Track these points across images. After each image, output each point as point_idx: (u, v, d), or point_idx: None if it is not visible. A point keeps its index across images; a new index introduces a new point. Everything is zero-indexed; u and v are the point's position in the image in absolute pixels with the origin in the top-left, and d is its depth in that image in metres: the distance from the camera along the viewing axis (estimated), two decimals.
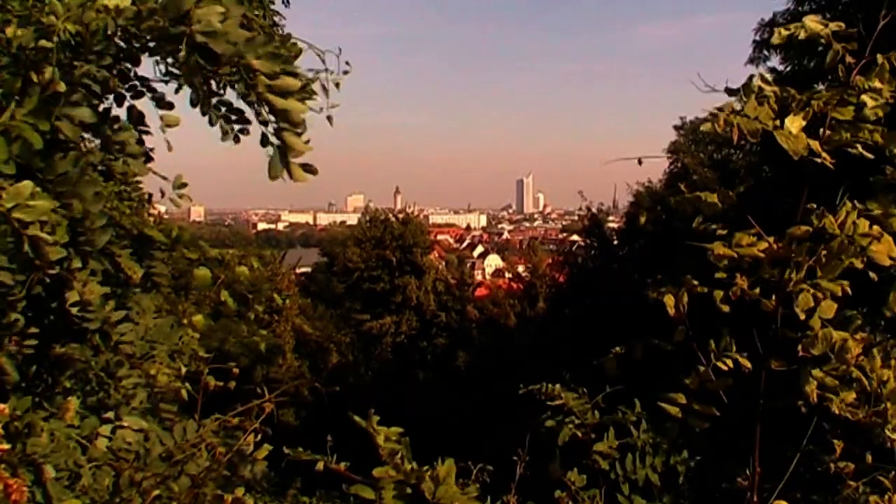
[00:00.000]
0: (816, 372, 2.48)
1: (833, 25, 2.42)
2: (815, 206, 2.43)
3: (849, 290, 2.37)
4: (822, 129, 2.39)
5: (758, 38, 16.05)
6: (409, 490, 2.17)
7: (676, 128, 25.64)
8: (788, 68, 15.21)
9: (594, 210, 27.70)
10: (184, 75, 1.95)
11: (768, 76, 2.43)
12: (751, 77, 2.40)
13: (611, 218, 31.14)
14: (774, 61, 15.83)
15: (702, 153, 23.59)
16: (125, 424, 2.50)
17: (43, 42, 1.90)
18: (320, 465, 2.43)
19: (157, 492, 2.20)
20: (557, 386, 3.49)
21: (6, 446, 2.11)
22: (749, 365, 2.62)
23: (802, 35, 2.43)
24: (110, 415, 2.57)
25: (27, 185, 1.85)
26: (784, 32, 2.48)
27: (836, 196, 2.43)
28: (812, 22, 2.43)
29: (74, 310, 2.24)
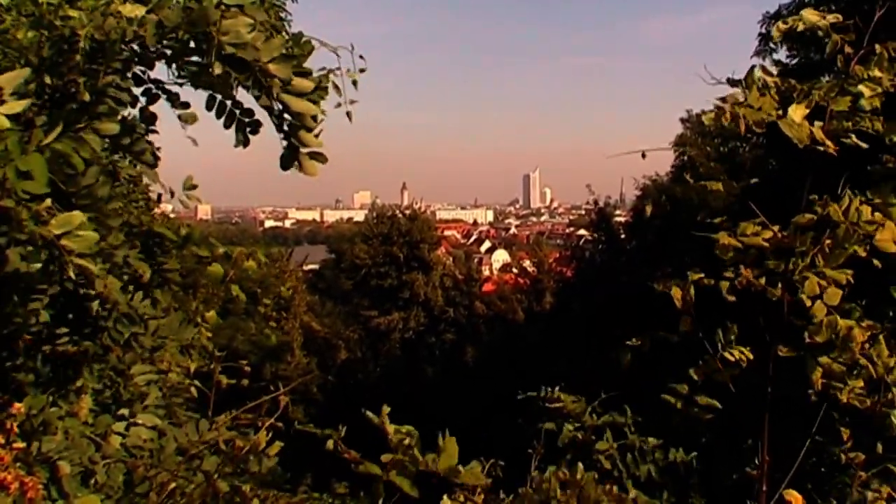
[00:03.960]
0: (823, 359, 2.48)
1: (831, 17, 2.42)
2: (816, 197, 2.43)
3: (851, 279, 2.37)
4: (825, 119, 2.39)
5: (763, 30, 16.01)
6: (414, 470, 2.18)
7: (683, 121, 25.55)
8: (794, 61, 15.17)
9: (601, 204, 27.65)
10: (214, 86, 1.94)
11: (770, 68, 2.44)
12: (752, 68, 2.41)
13: (618, 212, 31.02)
14: (781, 54, 15.79)
15: (708, 146, 23.48)
16: (139, 422, 2.52)
17: (71, 53, 1.87)
18: (330, 444, 2.43)
19: (172, 485, 2.22)
20: (556, 389, 3.50)
21: (21, 445, 2.14)
22: (751, 356, 2.62)
23: (801, 27, 2.43)
24: (124, 412, 2.59)
25: (77, 215, 1.82)
26: (783, 26, 2.48)
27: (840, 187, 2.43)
28: (810, 14, 2.44)
29: (95, 304, 2.24)
